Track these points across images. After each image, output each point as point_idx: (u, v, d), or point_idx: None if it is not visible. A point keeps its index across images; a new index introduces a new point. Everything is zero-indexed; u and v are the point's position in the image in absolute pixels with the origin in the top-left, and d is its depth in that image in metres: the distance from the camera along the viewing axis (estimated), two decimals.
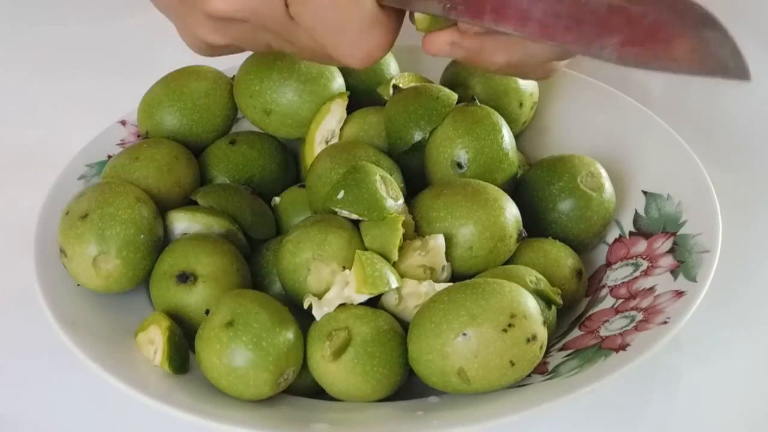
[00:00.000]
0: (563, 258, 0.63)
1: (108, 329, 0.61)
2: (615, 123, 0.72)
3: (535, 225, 0.64)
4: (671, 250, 0.62)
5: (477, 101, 0.66)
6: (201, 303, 0.60)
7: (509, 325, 0.54)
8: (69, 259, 0.61)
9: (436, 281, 0.59)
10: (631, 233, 0.66)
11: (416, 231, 0.61)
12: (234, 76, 0.70)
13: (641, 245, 0.65)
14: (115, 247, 0.60)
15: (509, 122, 0.66)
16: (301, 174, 0.71)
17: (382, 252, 0.58)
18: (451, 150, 0.64)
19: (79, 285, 0.62)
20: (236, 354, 0.55)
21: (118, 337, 0.60)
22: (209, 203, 0.65)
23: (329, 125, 0.68)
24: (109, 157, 0.70)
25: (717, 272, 0.59)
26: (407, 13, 0.52)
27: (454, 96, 0.67)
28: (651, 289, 0.60)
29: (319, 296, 0.58)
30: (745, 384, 0.62)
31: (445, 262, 0.60)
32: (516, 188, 0.66)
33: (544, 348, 0.55)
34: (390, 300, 0.59)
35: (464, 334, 0.54)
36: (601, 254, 0.67)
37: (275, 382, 0.55)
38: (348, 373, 0.56)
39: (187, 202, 0.67)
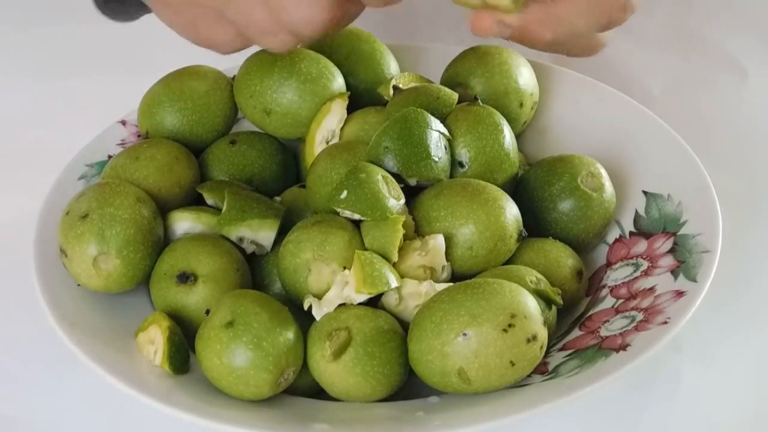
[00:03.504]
0: (563, 258, 0.63)
1: (108, 329, 0.61)
2: (615, 123, 0.72)
3: (536, 225, 0.64)
4: (671, 250, 0.62)
5: (479, 101, 0.66)
6: (201, 303, 0.60)
7: (509, 325, 0.54)
8: (69, 259, 0.61)
9: (436, 281, 0.59)
10: (631, 233, 0.66)
11: (416, 231, 0.61)
12: (234, 75, 0.70)
13: (641, 245, 0.65)
14: (115, 247, 0.60)
15: (509, 122, 0.66)
16: (301, 174, 0.71)
17: (382, 252, 0.58)
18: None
19: (79, 285, 0.62)
20: (236, 354, 0.55)
21: (118, 337, 0.60)
22: (214, 199, 0.65)
23: (329, 125, 0.68)
24: (109, 157, 0.70)
25: (717, 272, 0.59)
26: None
27: (455, 96, 0.67)
28: (651, 289, 0.60)
29: (320, 296, 0.58)
30: (746, 384, 0.62)
31: (445, 262, 0.60)
32: (516, 188, 0.66)
33: (545, 348, 0.55)
34: (390, 300, 0.58)
35: (464, 334, 0.54)
36: (601, 254, 0.67)
37: (275, 382, 0.55)
38: (348, 373, 0.56)
39: (188, 202, 0.66)
